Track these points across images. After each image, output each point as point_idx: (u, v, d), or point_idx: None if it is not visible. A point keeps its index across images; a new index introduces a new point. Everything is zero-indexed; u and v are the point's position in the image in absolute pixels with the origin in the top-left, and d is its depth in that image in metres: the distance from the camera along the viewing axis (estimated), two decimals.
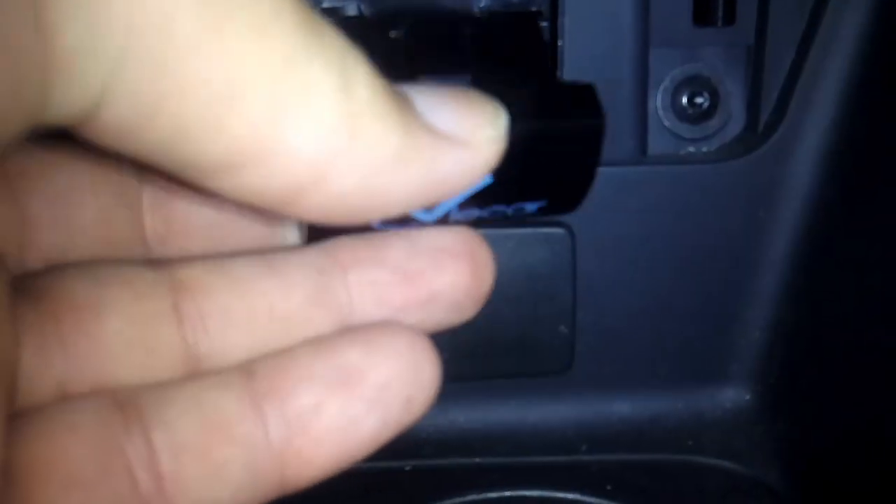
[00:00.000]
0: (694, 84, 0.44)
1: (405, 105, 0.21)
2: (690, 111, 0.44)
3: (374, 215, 0.22)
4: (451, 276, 0.26)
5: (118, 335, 0.23)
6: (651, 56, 0.43)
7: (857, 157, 0.43)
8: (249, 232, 0.27)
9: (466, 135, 0.22)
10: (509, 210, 0.29)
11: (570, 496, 0.47)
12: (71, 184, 0.25)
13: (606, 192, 0.44)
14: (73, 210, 0.25)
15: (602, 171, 0.44)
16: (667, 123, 0.44)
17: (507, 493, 0.47)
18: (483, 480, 0.47)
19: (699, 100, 0.44)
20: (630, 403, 0.49)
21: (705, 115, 0.44)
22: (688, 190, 0.44)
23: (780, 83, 0.43)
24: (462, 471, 0.48)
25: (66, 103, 0.17)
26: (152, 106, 0.17)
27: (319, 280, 0.25)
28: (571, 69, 0.42)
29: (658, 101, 0.44)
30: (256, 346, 0.24)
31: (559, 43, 0.41)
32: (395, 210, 0.22)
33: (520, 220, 0.44)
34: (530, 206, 0.30)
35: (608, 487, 0.47)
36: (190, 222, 0.26)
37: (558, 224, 0.44)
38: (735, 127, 0.44)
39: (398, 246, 0.26)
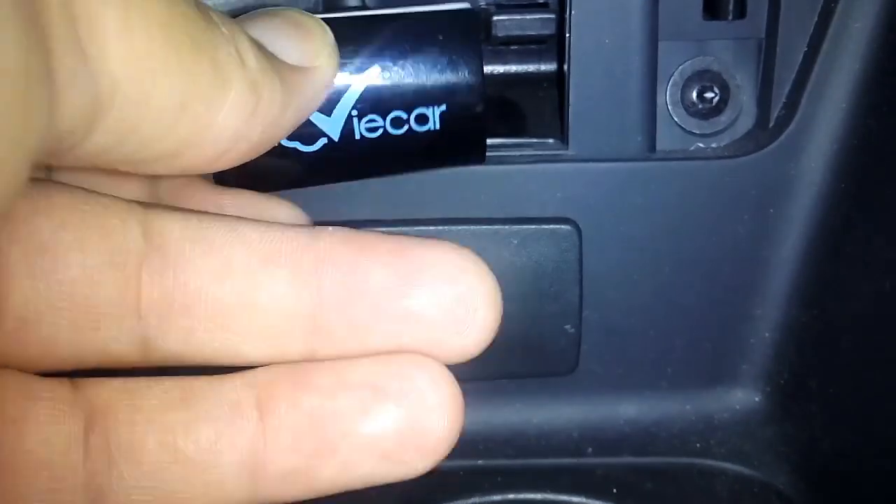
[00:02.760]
0: (704, 78, 0.43)
1: (270, 56, 0.24)
2: (700, 106, 0.43)
3: (261, 152, 0.25)
4: (379, 423, 0.25)
5: (28, 455, 0.22)
6: (660, 50, 0.42)
7: (870, 153, 0.42)
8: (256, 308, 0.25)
9: (313, 61, 0.26)
10: (411, 117, 0.33)
11: (576, 500, 0.46)
12: (56, 235, 0.23)
13: (614, 189, 0.43)
14: (54, 264, 0.23)
15: (609, 167, 0.44)
16: (676, 119, 0.43)
17: (511, 497, 0.46)
18: (486, 483, 0.46)
19: (709, 95, 0.43)
20: (637, 405, 0.48)
21: (715, 110, 0.43)
22: (697, 187, 0.43)
23: (791, 78, 0.42)
24: (465, 473, 0.47)
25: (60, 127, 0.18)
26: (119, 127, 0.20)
27: (232, 419, 0.24)
28: (579, 62, 0.41)
29: (667, 95, 0.43)
30: (158, 487, 0.23)
31: (567, 36, 0.41)
32: (275, 143, 0.25)
33: (522, 220, 0.43)
34: (432, 112, 0.33)
35: (614, 491, 0.46)
36: (196, 297, 0.25)
37: (565, 221, 0.43)
38: (745, 122, 0.44)
39: (324, 379, 0.25)
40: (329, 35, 0.27)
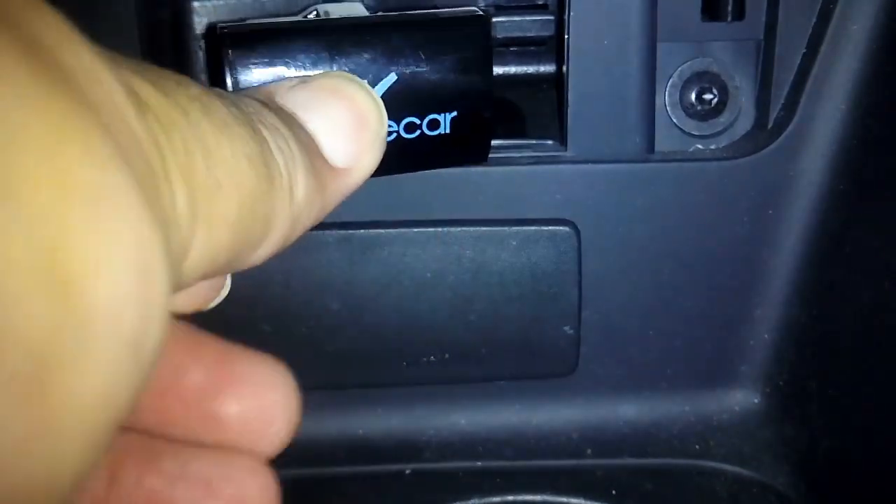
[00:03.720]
0: (703, 80, 0.43)
1: (318, 170, 0.24)
2: (699, 107, 0.43)
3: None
4: None
5: None
6: (659, 51, 0.42)
7: (869, 153, 0.42)
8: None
9: (361, 160, 0.25)
10: (424, 123, 0.34)
11: (575, 501, 0.46)
12: None
13: (613, 190, 0.43)
14: None
15: (608, 169, 0.44)
16: (675, 120, 0.43)
17: (510, 498, 0.46)
18: (486, 484, 0.46)
19: (708, 96, 0.43)
20: (636, 406, 0.48)
21: (714, 111, 0.43)
22: (696, 188, 0.43)
23: (790, 79, 0.43)
24: (464, 474, 0.47)
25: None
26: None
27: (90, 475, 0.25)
28: (578, 63, 0.41)
29: (666, 97, 0.43)
30: None
31: (566, 37, 0.41)
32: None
33: (521, 222, 0.43)
34: (444, 117, 0.34)
35: (613, 492, 0.46)
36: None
37: (564, 222, 0.43)
38: (744, 124, 0.44)
39: (169, 465, 0.26)
40: (382, 120, 0.26)
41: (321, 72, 0.28)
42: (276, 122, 0.23)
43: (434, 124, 0.34)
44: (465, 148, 0.36)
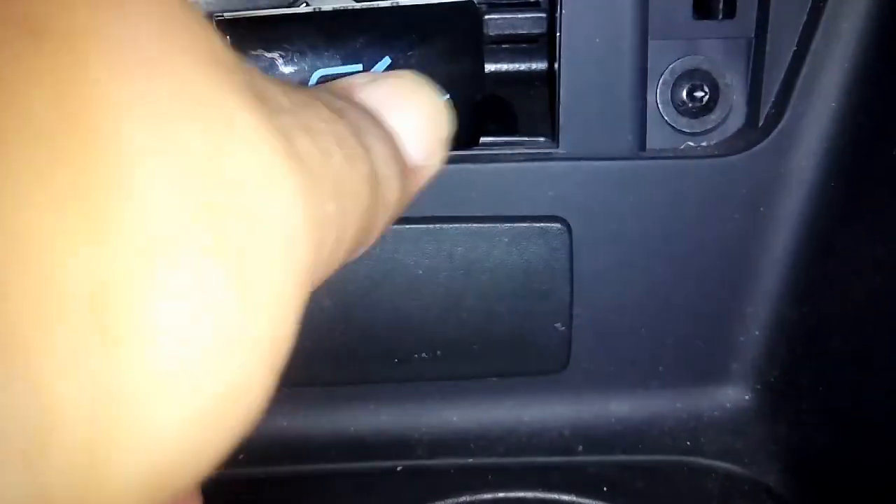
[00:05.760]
0: (694, 77, 0.43)
1: (402, 175, 0.24)
2: (690, 105, 0.43)
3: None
4: None
5: None
6: (650, 49, 0.42)
7: (859, 151, 0.42)
8: None
9: (433, 158, 0.25)
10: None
11: (566, 498, 0.46)
12: None
13: (604, 187, 0.43)
14: None
15: (600, 166, 0.44)
16: (666, 117, 0.43)
17: (502, 495, 0.46)
18: (477, 481, 0.46)
19: (699, 93, 0.43)
20: (627, 403, 0.48)
21: (705, 109, 0.43)
22: (687, 185, 0.44)
23: (780, 77, 0.43)
24: (456, 471, 0.47)
25: None
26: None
27: None
28: (569, 61, 0.41)
29: (657, 94, 0.43)
30: None
31: (557, 34, 0.41)
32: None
33: (512, 219, 0.43)
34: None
35: (605, 489, 0.46)
36: None
37: (555, 219, 0.44)
38: (735, 121, 0.44)
39: None
40: (450, 120, 0.26)
41: (390, 71, 0.28)
42: (366, 122, 0.23)
43: None
44: (459, 133, 0.36)
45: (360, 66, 0.34)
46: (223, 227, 0.16)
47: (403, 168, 0.24)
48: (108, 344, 0.14)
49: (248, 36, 0.33)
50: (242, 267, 0.16)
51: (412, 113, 0.25)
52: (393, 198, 0.23)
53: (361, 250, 0.23)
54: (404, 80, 0.26)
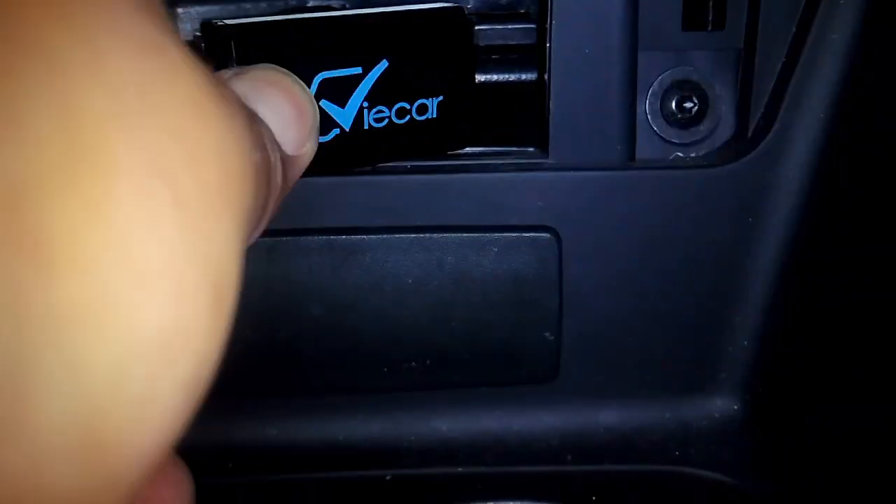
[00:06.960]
0: (683, 88, 0.43)
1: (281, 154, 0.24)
2: (679, 116, 0.43)
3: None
4: None
5: None
6: (640, 60, 0.42)
7: (847, 162, 0.42)
8: None
9: (304, 150, 0.26)
10: (413, 107, 0.37)
11: None
12: None
13: (594, 197, 0.44)
14: None
15: (589, 176, 0.44)
16: (655, 128, 0.43)
17: None
18: (466, 491, 0.46)
19: (688, 104, 0.43)
20: (616, 413, 0.48)
21: (694, 119, 0.43)
22: (676, 196, 0.44)
23: (769, 88, 0.43)
24: (444, 480, 0.47)
25: None
26: None
27: None
28: (559, 71, 0.41)
29: (646, 105, 0.43)
30: None
31: (547, 45, 0.41)
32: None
33: (502, 228, 0.44)
34: (432, 102, 0.38)
35: (593, 498, 0.46)
36: None
37: (545, 229, 0.44)
38: (724, 132, 0.44)
39: None
40: (317, 110, 0.26)
41: (254, 65, 0.28)
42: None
43: (422, 109, 0.37)
44: (451, 133, 0.39)
45: (359, 70, 0.35)
46: (158, 144, 0.15)
47: (282, 155, 0.24)
48: (26, 251, 0.12)
49: (256, 40, 0.33)
50: (177, 185, 0.15)
51: (278, 103, 0.25)
52: (279, 182, 0.23)
53: (254, 237, 0.22)
54: (267, 73, 0.26)
